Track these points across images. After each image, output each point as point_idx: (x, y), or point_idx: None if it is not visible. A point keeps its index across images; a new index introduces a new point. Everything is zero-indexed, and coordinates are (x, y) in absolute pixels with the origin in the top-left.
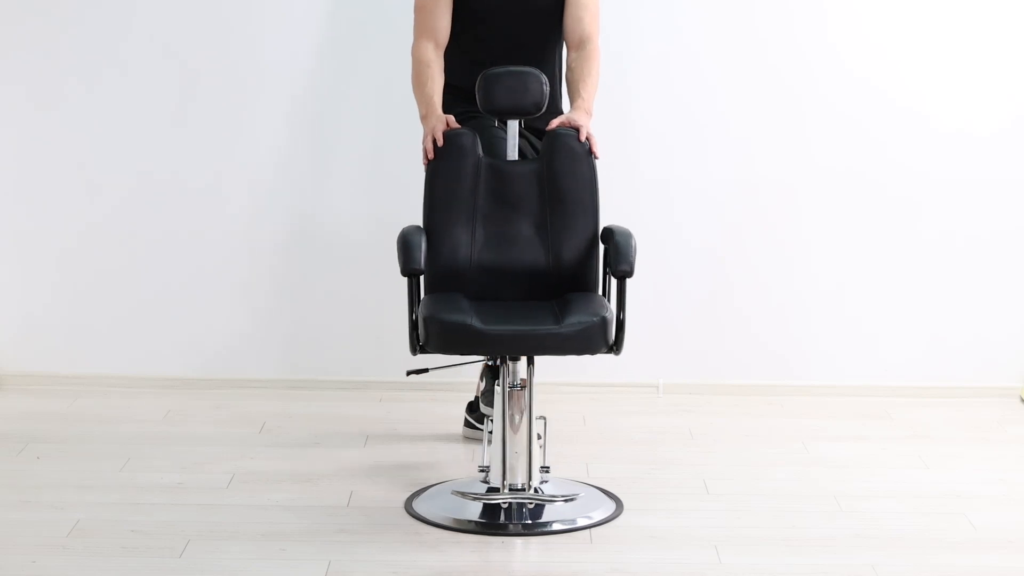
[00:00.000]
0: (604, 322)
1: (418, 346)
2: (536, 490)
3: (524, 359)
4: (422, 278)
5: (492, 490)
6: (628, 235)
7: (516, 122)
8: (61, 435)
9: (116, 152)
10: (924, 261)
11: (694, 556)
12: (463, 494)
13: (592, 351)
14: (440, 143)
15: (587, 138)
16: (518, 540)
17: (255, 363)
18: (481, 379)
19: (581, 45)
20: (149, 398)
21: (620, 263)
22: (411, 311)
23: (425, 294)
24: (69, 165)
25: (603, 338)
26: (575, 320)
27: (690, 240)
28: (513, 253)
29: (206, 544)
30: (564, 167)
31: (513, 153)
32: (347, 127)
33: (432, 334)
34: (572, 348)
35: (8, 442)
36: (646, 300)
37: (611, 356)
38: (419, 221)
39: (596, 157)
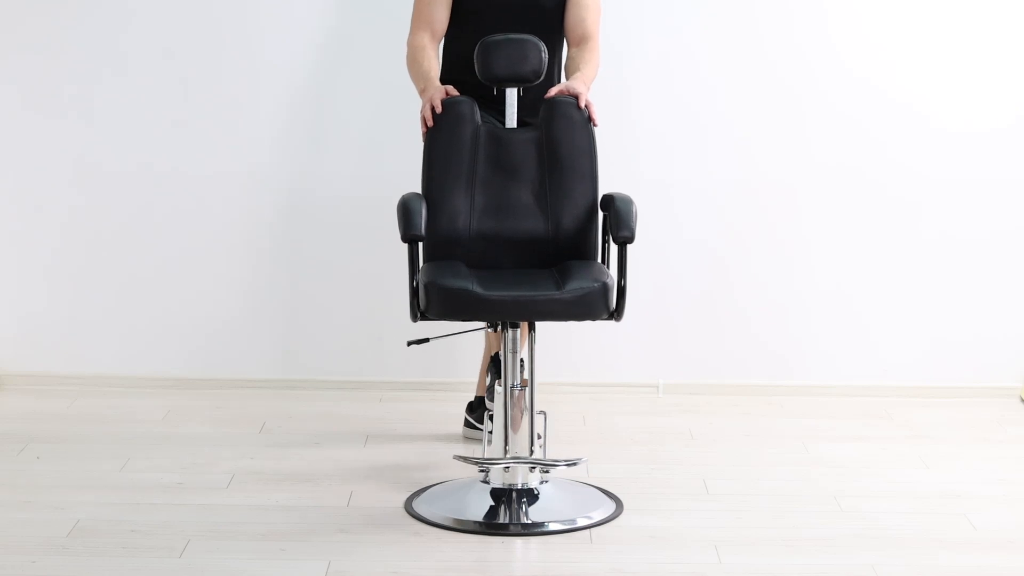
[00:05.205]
0: (605, 288)
1: (419, 312)
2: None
3: (525, 351)
4: (421, 245)
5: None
6: (629, 201)
7: (515, 90)
8: (61, 435)
9: (114, 152)
10: (924, 261)
11: (694, 556)
12: (464, 459)
13: (593, 317)
14: (439, 111)
15: (586, 105)
16: (518, 540)
17: (255, 363)
18: (487, 375)
19: (582, 42)
20: (149, 398)
21: (621, 229)
22: (411, 278)
23: (424, 262)
24: (67, 165)
25: (604, 304)
26: (576, 286)
27: (690, 240)
28: (512, 221)
29: (206, 544)
30: (563, 134)
31: (512, 120)
32: (347, 128)
33: (433, 300)
34: (573, 314)
35: (8, 442)
36: (646, 300)
37: (610, 357)
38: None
39: (595, 124)
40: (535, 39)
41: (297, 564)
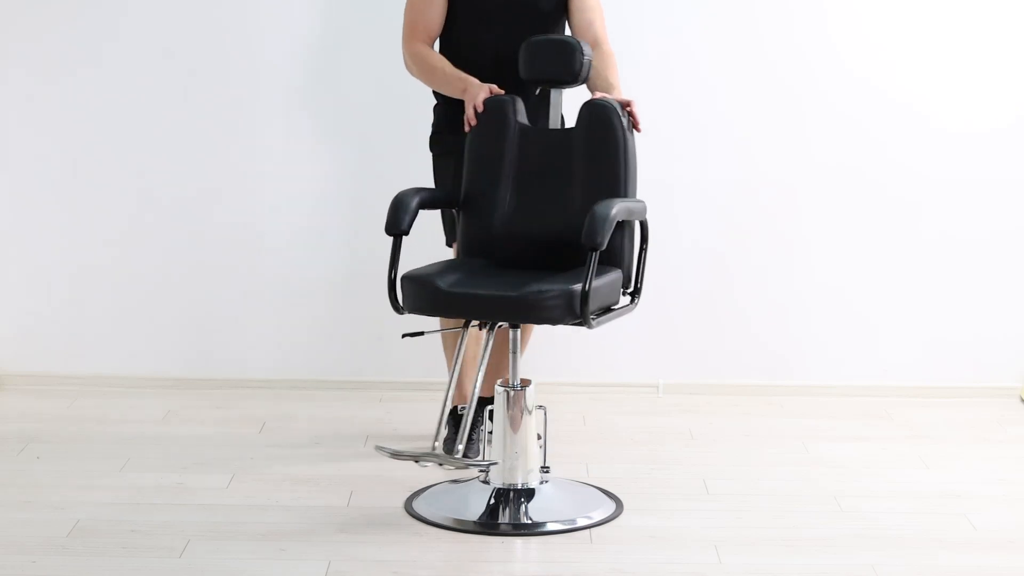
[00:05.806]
0: (568, 294)
1: (398, 304)
2: (457, 451)
3: (523, 352)
4: (421, 239)
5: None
6: (608, 207)
7: (560, 91)
8: (61, 435)
9: (115, 152)
10: (924, 261)
11: (694, 556)
12: (381, 448)
13: (552, 321)
14: (480, 110)
15: (629, 111)
16: (518, 540)
17: (255, 363)
18: (444, 425)
19: (595, 48)
20: (149, 398)
21: (590, 236)
22: (390, 271)
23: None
24: (67, 165)
25: (564, 310)
26: (536, 288)
27: (690, 240)
28: (544, 222)
29: (206, 544)
30: (600, 138)
31: (556, 122)
32: (347, 125)
33: (405, 292)
34: (529, 317)
35: (8, 442)
36: (646, 300)
37: (610, 357)
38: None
39: (638, 131)
40: (578, 41)
41: (297, 564)
